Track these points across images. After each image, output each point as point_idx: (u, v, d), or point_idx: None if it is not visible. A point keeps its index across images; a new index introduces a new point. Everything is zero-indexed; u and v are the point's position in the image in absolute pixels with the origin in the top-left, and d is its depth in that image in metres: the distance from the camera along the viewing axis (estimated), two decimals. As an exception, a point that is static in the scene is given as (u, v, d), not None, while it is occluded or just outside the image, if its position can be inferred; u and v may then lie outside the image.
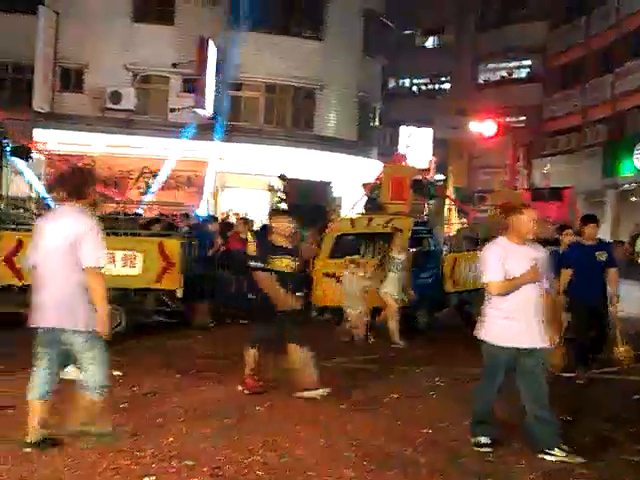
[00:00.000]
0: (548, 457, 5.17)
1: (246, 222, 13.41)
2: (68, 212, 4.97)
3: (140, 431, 5.43)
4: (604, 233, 14.78)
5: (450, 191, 31.38)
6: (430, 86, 40.47)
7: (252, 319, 7.36)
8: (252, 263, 6.83)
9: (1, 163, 12.48)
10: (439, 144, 34.39)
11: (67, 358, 5.16)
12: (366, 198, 14.65)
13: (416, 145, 32.20)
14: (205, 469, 4.74)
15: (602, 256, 7.91)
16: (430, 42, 40.49)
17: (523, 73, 34.90)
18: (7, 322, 9.05)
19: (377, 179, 14.91)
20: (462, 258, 11.84)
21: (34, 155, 16.38)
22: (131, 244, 9.81)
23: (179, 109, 23.32)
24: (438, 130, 34.13)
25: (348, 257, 11.33)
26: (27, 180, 16.16)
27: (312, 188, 20.98)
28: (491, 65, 35.66)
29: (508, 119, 32.08)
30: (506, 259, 5.24)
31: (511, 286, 5.21)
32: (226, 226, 14.02)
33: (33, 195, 14.76)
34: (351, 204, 16.16)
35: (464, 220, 20.01)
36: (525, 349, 5.24)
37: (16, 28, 22.23)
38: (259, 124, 24.53)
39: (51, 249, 4.89)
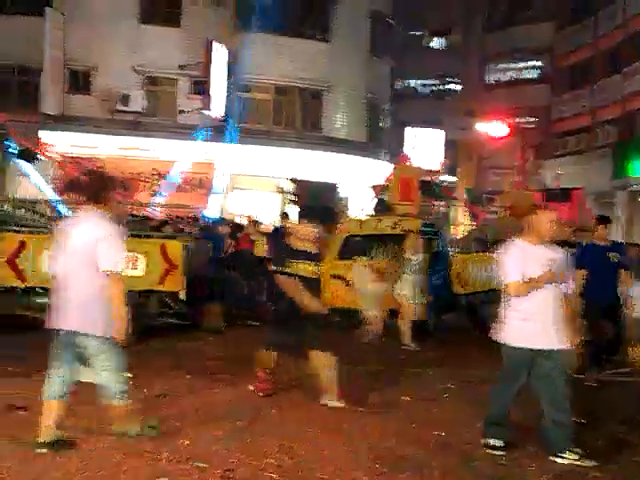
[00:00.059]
0: (560, 460, 5.14)
1: (255, 223, 13.45)
2: (89, 217, 5.05)
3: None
4: (615, 234, 14.69)
5: (461, 193, 31.25)
6: (439, 87, 40.35)
7: (263, 321, 7.32)
8: (273, 267, 6.75)
9: (3, 165, 12.43)
10: (448, 145, 34.30)
11: (83, 360, 5.19)
12: (376, 200, 14.63)
13: (425, 146, 32.07)
14: (218, 471, 4.72)
15: (615, 257, 7.89)
16: (437, 43, 40.40)
17: (531, 74, 34.81)
18: (9, 325, 9.07)
19: (387, 180, 14.90)
20: (471, 260, 11.79)
21: (41, 157, 16.43)
22: (132, 245, 9.75)
23: (188, 111, 23.33)
24: (447, 131, 34.06)
25: (357, 258, 11.30)
26: (33, 182, 16.20)
27: (320, 190, 20.99)
28: (499, 66, 35.60)
29: (517, 120, 31.97)
30: (524, 260, 5.21)
31: (530, 287, 5.18)
32: (237, 227, 14.06)
33: (44, 197, 14.74)
34: (360, 205, 16.15)
35: (473, 222, 19.97)
36: (541, 350, 5.20)
37: (21, 30, 22.21)
38: (269, 126, 24.53)
39: (73, 253, 4.98)
